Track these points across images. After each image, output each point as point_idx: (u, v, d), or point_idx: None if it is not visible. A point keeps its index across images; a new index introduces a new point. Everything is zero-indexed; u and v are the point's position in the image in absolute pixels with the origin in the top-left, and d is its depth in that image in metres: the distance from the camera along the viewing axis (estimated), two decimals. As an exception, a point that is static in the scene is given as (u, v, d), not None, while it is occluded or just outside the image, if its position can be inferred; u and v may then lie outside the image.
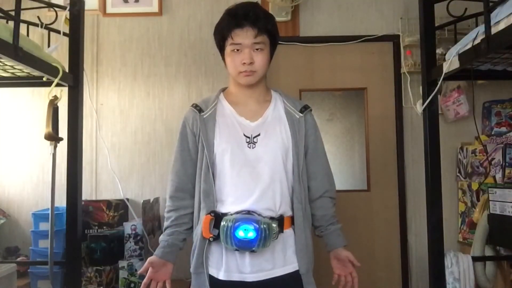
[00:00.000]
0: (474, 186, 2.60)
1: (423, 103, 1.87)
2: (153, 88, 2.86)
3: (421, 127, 1.95)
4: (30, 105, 2.82)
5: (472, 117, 2.23)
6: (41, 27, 2.09)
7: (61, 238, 2.35)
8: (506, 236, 2.22)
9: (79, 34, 1.96)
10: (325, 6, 2.88)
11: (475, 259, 2.31)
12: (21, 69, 1.74)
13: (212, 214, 1.33)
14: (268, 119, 1.42)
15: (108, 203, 2.70)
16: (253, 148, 1.36)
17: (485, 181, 2.44)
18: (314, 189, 1.49)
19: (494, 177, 2.45)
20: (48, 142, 1.73)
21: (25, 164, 2.81)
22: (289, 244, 1.38)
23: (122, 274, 2.39)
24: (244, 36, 1.34)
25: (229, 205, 1.34)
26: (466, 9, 1.93)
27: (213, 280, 1.36)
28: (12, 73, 1.80)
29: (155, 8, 2.88)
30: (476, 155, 2.59)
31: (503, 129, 2.65)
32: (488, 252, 2.37)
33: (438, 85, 1.81)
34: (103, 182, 2.82)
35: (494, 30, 1.41)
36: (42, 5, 2.08)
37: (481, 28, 1.52)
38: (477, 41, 1.50)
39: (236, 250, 1.30)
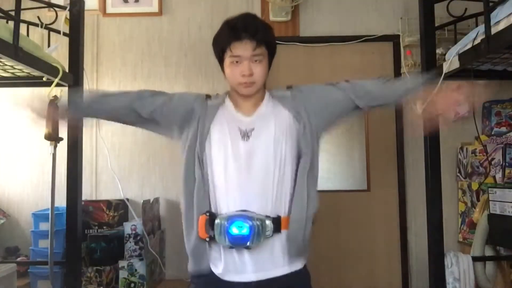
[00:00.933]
0: (474, 186, 2.60)
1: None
2: (153, 88, 2.85)
3: (421, 127, 1.95)
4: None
5: (472, 117, 2.23)
6: (41, 27, 2.09)
7: (61, 238, 2.35)
8: (506, 236, 2.22)
9: (79, 34, 1.97)
10: (325, 6, 2.88)
11: (475, 259, 2.31)
12: (21, 69, 1.75)
13: (207, 214, 1.34)
14: (262, 113, 1.44)
15: (108, 203, 2.70)
16: (247, 140, 1.37)
17: (485, 181, 2.44)
18: (374, 94, 1.45)
19: (494, 177, 2.45)
20: (48, 142, 1.73)
21: (25, 164, 2.81)
22: (287, 245, 1.38)
23: (122, 274, 2.39)
24: (243, 49, 1.36)
25: (223, 202, 1.35)
26: (466, 9, 1.93)
27: (212, 280, 1.36)
28: (12, 73, 1.81)
29: (155, 8, 2.88)
30: (476, 155, 2.58)
31: (503, 129, 2.64)
32: (488, 252, 2.37)
33: (438, 85, 1.81)
34: (103, 182, 2.82)
35: (494, 30, 1.42)
36: (42, 5, 2.09)
37: (481, 28, 1.52)
38: (477, 41, 1.51)
39: (231, 247, 1.31)
